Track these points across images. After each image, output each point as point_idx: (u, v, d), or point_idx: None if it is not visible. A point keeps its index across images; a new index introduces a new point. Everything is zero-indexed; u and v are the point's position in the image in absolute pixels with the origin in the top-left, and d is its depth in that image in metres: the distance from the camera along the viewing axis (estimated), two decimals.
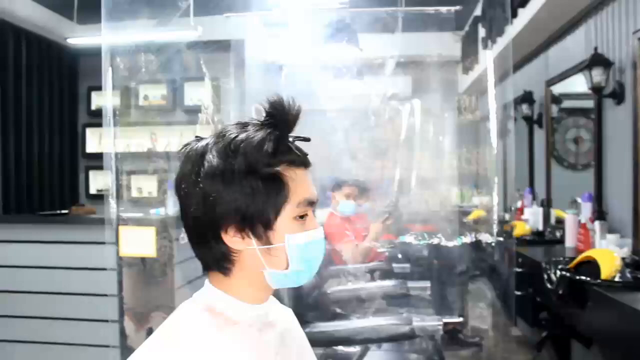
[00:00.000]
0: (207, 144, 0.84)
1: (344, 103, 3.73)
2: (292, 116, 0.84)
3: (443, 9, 3.03)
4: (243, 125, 0.86)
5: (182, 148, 0.88)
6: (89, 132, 5.35)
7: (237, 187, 0.80)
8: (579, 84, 3.29)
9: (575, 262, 2.33)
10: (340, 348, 2.35)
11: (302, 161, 0.86)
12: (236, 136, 0.83)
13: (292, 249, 0.83)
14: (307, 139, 0.88)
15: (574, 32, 3.61)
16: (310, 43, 3.18)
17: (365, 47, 3.27)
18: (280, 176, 0.83)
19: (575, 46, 3.55)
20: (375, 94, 3.82)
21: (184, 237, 2.89)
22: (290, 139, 0.86)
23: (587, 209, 3.09)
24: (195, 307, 0.86)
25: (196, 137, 0.89)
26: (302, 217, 0.85)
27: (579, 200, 3.23)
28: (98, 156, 5.02)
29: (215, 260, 0.84)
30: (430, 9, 3.07)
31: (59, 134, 5.12)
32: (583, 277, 2.17)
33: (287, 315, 0.99)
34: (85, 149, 5.36)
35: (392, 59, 3.75)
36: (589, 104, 3.44)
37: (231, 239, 0.82)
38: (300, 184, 0.85)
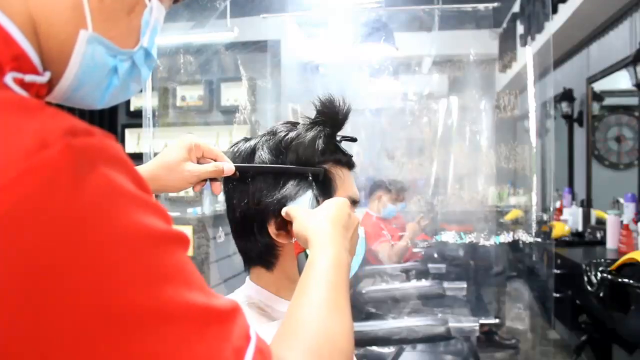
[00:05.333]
0: (256, 143, 0.87)
1: (380, 102, 3.72)
2: (343, 115, 0.86)
3: (480, 6, 2.98)
4: (293, 124, 0.88)
5: (232, 147, 0.91)
6: (128, 132, 5.43)
7: (287, 181, 0.82)
8: (622, 80, 3.21)
9: (617, 264, 2.27)
10: (375, 348, 2.35)
11: (347, 161, 0.89)
12: (287, 134, 0.85)
13: None
14: (354, 139, 0.90)
15: (617, 27, 3.51)
16: (346, 42, 3.18)
17: (402, 46, 3.25)
18: (328, 173, 0.85)
19: (619, 41, 3.45)
20: (411, 92, 3.80)
21: (220, 236, 2.92)
22: (338, 139, 0.88)
23: (629, 209, 3.01)
24: (237, 301, 0.88)
25: (244, 138, 0.91)
26: None
27: (622, 200, 3.15)
28: (137, 156, 5.10)
29: (259, 254, 0.86)
30: (468, 7, 3.02)
31: None
32: (626, 280, 2.12)
33: None
34: (125, 149, 5.45)
35: (428, 57, 3.72)
36: (633, 101, 3.35)
37: (276, 232, 0.83)
38: (346, 182, 0.87)
